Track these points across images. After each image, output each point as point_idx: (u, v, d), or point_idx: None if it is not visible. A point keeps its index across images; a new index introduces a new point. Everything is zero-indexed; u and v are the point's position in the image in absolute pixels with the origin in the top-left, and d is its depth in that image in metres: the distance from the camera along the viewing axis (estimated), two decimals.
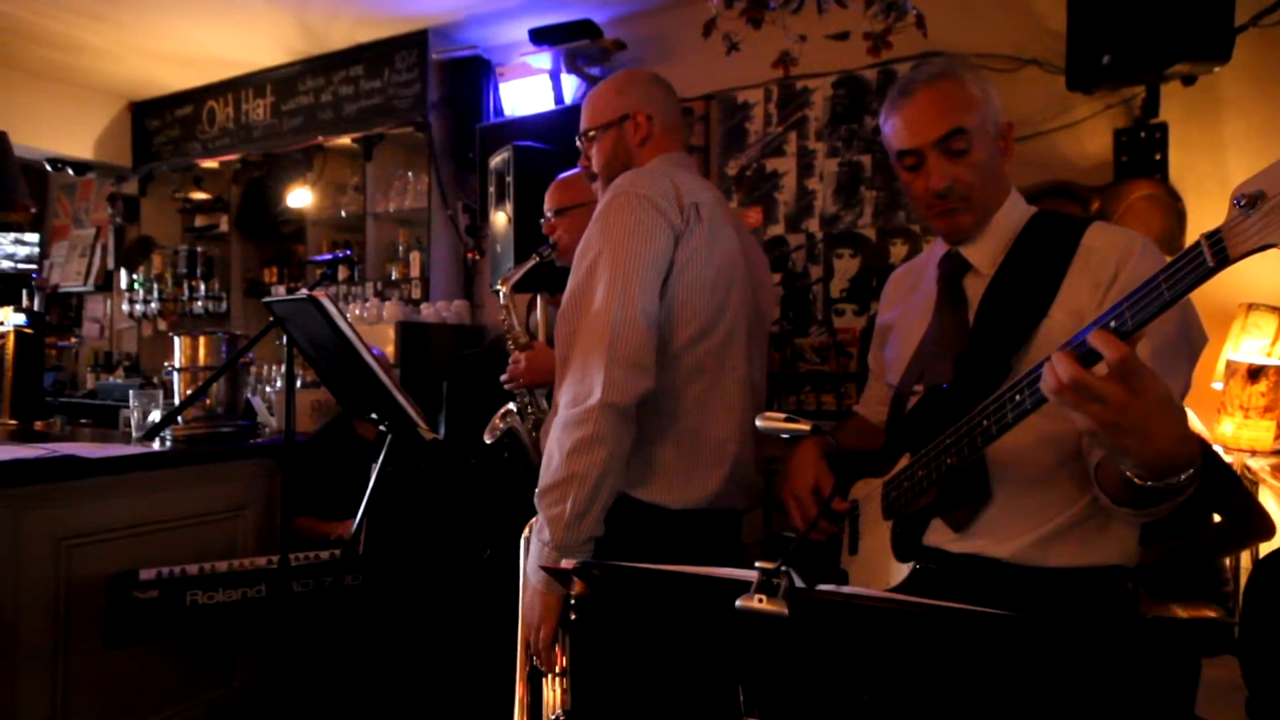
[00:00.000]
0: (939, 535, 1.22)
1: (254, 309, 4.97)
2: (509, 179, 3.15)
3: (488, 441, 1.90)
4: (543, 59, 3.79)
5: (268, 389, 3.88)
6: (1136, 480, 0.94)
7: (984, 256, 1.25)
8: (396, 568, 2.47)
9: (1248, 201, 0.76)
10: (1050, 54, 2.79)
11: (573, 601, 1.30)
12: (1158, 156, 2.64)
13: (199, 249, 5.10)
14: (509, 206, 3.15)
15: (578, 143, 1.60)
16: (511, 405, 1.98)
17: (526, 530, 1.39)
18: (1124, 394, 0.85)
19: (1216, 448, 2.31)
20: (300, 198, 4.49)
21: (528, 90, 3.94)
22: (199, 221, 5.19)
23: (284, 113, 4.59)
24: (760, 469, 1.55)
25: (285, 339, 2.08)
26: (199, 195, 5.13)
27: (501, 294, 2.06)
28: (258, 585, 2.21)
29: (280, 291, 4.70)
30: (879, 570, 1.28)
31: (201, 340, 2.77)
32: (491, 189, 3.35)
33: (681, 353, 1.39)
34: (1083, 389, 0.86)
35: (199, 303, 5.03)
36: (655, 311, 1.34)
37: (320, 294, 1.84)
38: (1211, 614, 1.84)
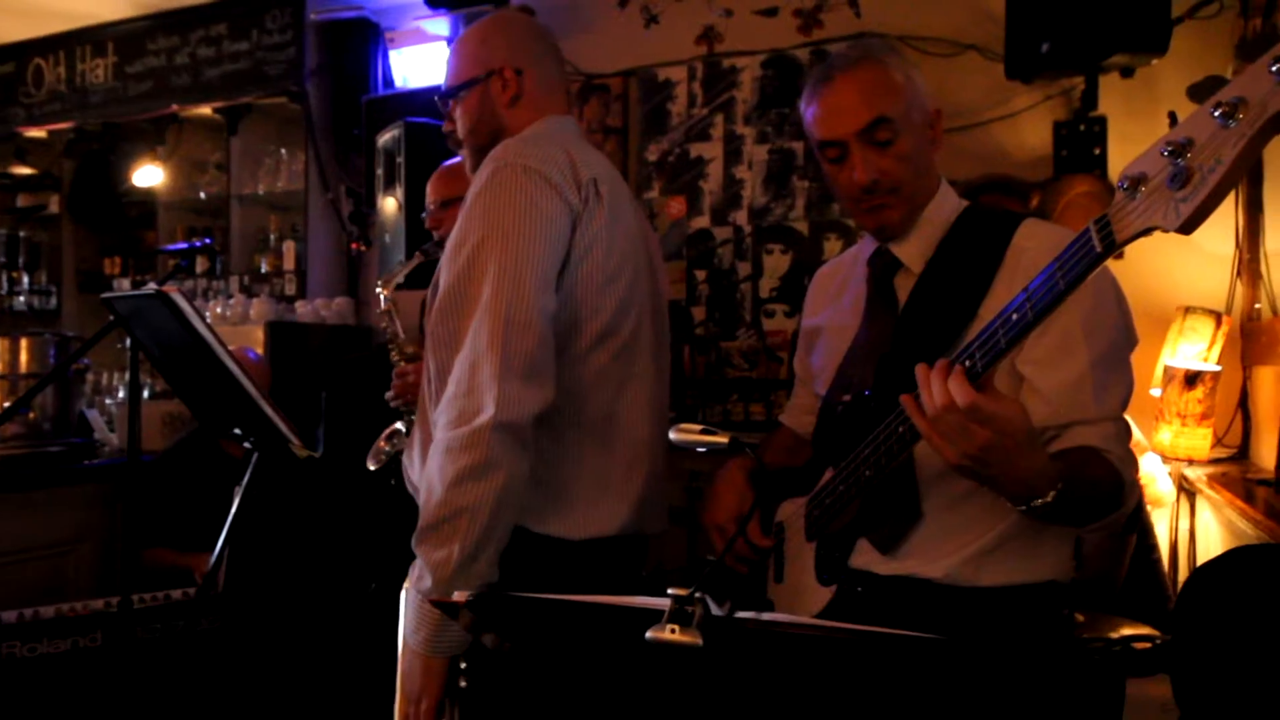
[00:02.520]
0: (867, 556, 1.26)
1: (91, 306, 4.74)
2: (400, 159, 3.11)
3: (372, 468, 1.86)
4: (439, 24, 3.75)
5: (107, 401, 3.70)
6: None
7: (914, 254, 1.30)
8: (264, 608, 2.39)
9: (1130, 184, 0.84)
10: (990, 40, 2.94)
11: (464, 666, 1.24)
12: (1097, 151, 2.81)
13: (21, 234, 4.86)
14: (400, 191, 3.11)
15: (438, 103, 1.50)
16: (399, 425, 1.95)
17: (408, 582, 1.28)
18: (989, 435, 0.95)
19: (1154, 457, 2.48)
20: (149, 175, 4.32)
21: (422, 59, 3.90)
22: (22, 201, 4.94)
23: (129, 75, 4.38)
24: (683, 486, 1.55)
25: (129, 342, 2.00)
26: (22, 170, 4.86)
27: (383, 296, 2.02)
28: (93, 633, 2.11)
29: (124, 286, 4.50)
30: (803, 596, 1.32)
31: (23, 342, 2.64)
32: (380, 170, 3.30)
33: (584, 357, 1.32)
34: (953, 420, 0.95)
35: (21, 298, 4.80)
36: (553, 309, 1.26)
37: (171, 289, 1.78)
38: (1150, 632, 1.98)
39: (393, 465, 1.85)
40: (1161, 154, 0.82)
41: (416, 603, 1.22)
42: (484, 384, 1.20)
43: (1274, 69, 0.74)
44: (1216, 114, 0.78)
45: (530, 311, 1.22)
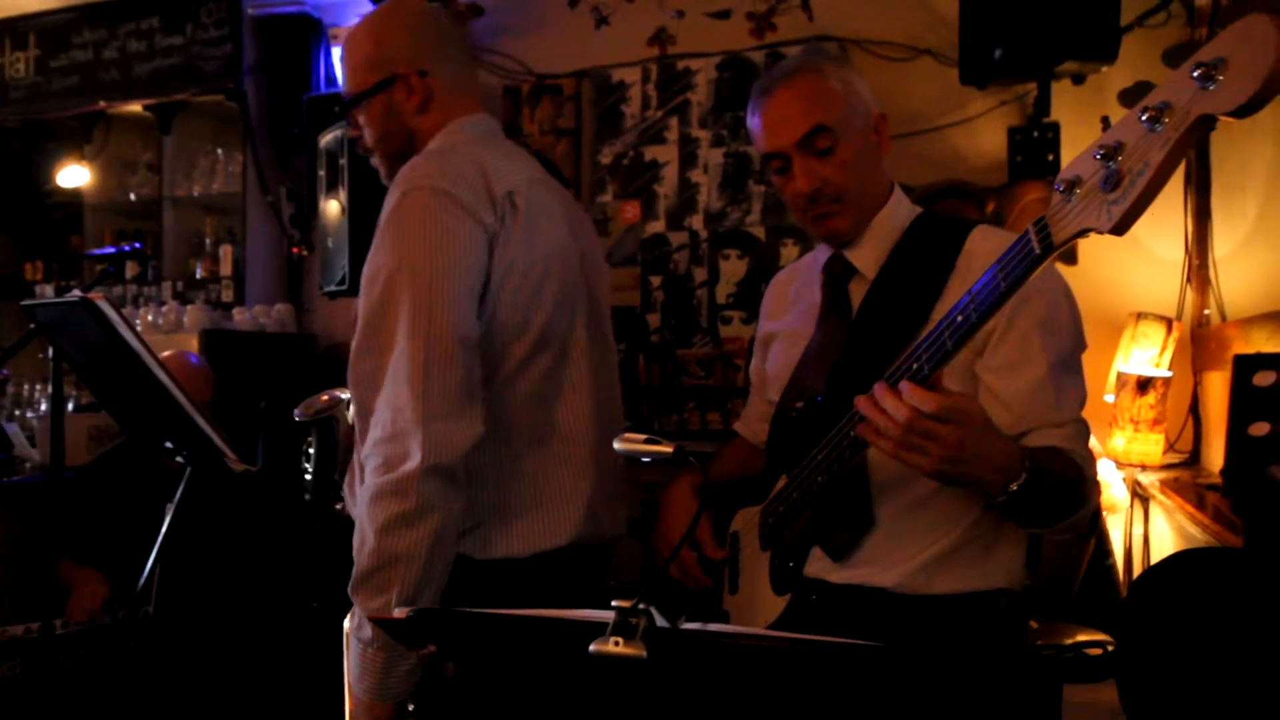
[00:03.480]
0: (820, 565, 1.29)
1: (11, 314, 4.59)
2: (343, 161, 3.08)
3: (297, 418, 1.81)
4: None
5: (29, 414, 3.60)
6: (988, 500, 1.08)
7: (868, 259, 1.33)
8: (198, 630, 2.34)
9: (1066, 187, 0.88)
10: (944, 45, 3.01)
11: (411, 709, 1.24)
12: (1050, 157, 2.90)
13: None
14: (343, 193, 3.08)
15: (336, 111, 1.45)
16: (345, 395, 1.91)
17: (347, 620, 1.28)
18: (956, 430, 0.99)
19: (1108, 462, 2.56)
20: (75, 176, 4.21)
21: None
22: None
23: (53, 70, 4.28)
24: (639, 497, 1.55)
25: (51, 351, 1.96)
26: None
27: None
28: (11, 661, 2.05)
29: (47, 292, 4.37)
30: (758, 606, 1.34)
31: None
32: (322, 172, 3.26)
33: (513, 378, 1.31)
34: (921, 429, 0.99)
35: None
36: (475, 337, 1.25)
37: (97, 296, 1.75)
38: (1102, 637, 2.05)
39: (315, 424, 1.78)
40: (1094, 157, 0.86)
41: (358, 651, 1.22)
42: (408, 428, 1.18)
43: (1195, 74, 0.79)
44: (1144, 118, 0.82)
45: (449, 345, 1.21)
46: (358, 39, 1.42)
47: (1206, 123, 0.80)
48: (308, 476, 1.66)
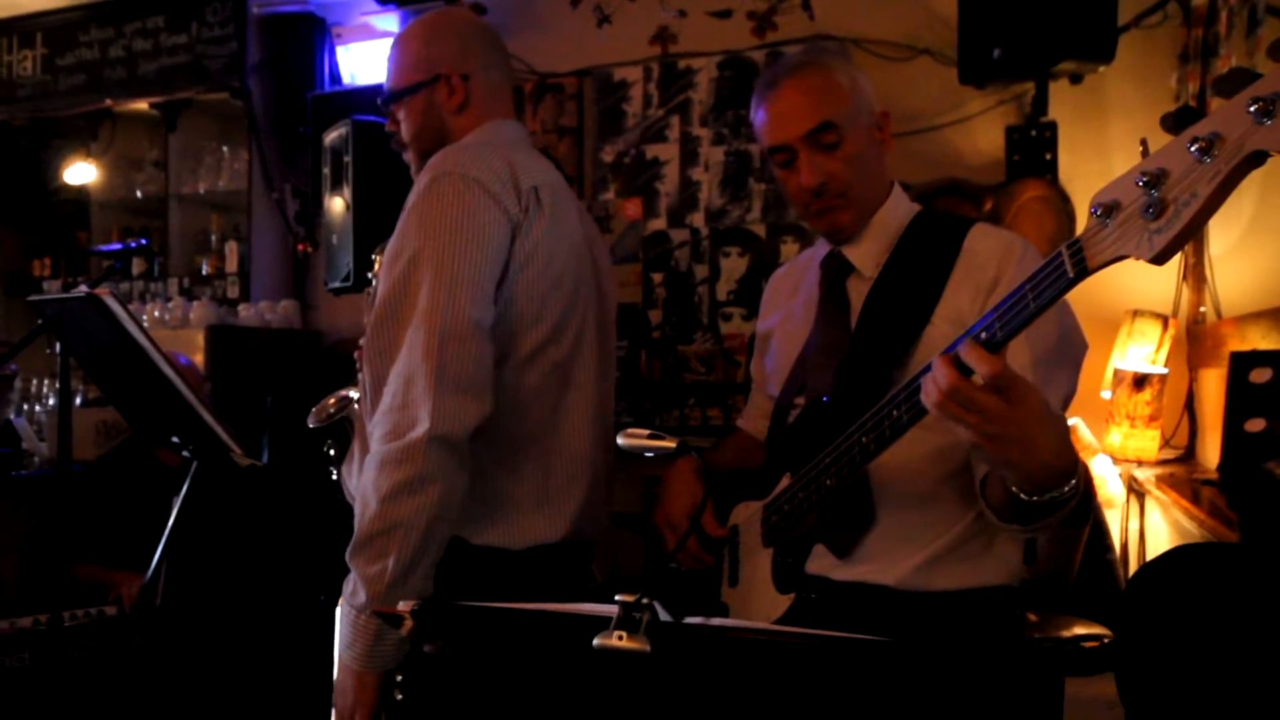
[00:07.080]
0: (822, 562, 1.29)
1: (18, 310, 4.61)
2: (347, 158, 3.08)
3: (311, 425, 1.81)
4: (389, 20, 3.72)
5: (37, 409, 3.61)
6: (1022, 496, 1.05)
7: (866, 258, 1.34)
8: (204, 624, 2.35)
9: (1104, 211, 0.86)
10: (943, 44, 3.02)
11: (399, 679, 1.25)
12: (1048, 156, 2.90)
13: None
14: (347, 191, 3.08)
15: (379, 104, 1.51)
16: (353, 393, 1.91)
17: (342, 596, 1.30)
18: (1003, 406, 0.95)
19: (1104, 458, 2.56)
20: (81, 173, 4.23)
21: (370, 56, 3.88)
22: None
23: (60, 68, 4.28)
24: (639, 492, 1.55)
25: (59, 347, 1.96)
26: None
27: (377, 262, 1.99)
28: (20, 652, 2.07)
29: (55, 288, 4.38)
30: (759, 602, 1.34)
31: None
32: (326, 169, 3.26)
33: (523, 366, 1.35)
34: (962, 399, 0.95)
35: None
36: (490, 321, 1.30)
37: (103, 292, 1.75)
38: (1101, 630, 2.05)
39: (332, 429, 1.79)
40: (1136, 183, 0.83)
41: (350, 617, 1.24)
42: (419, 397, 1.22)
43: (1251, 109, 0.75)
44: (1193, 149, 0.79)
45: (465, 324, 1.24)
46: (409, 37, 1.49)
47: (1259, 158, 0.77)
48: (334, 478, 1.67)
